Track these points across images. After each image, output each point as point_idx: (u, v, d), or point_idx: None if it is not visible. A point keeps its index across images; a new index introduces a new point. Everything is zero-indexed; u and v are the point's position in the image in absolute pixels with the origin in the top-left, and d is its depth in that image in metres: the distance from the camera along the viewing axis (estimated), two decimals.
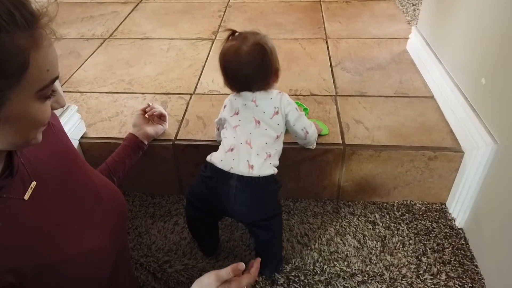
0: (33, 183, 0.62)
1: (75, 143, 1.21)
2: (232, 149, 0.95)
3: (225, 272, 0.78)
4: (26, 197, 0.61)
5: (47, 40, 0.50)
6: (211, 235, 1.11)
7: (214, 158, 0.96)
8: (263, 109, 0.98)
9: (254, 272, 0.84)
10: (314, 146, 1.14)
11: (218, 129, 1.09)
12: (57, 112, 1.14)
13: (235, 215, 1.01)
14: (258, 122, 0.97)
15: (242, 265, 0.80)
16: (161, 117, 1.20)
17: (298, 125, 1.03)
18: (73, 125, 1.20)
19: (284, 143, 1.16)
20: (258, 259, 0.86)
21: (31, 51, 0.48)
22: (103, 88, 1.48)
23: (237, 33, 1.00)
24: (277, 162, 0.99)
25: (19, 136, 0.53)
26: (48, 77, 0.52)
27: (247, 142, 0.95)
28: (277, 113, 0.98)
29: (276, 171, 0.97)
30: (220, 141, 1.00)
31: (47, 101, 0.54)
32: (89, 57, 1.71)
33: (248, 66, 0.96)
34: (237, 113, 0.99)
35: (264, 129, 0.96)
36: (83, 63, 1.66)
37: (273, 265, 1.05)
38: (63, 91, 1.42)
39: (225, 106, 1.03)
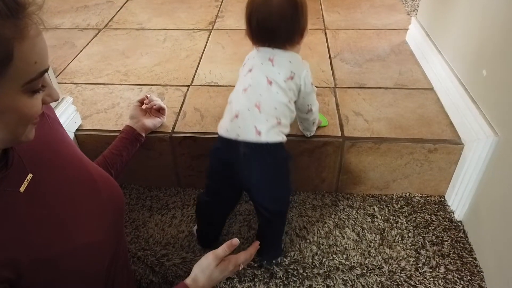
0: (29, 176, 0.61)
1: (71, 136, 1.19)
2: (237, 116, 0.92)
3: (221, 249, 0.83)
4: (22, 189, 0.59)
5: (34, 30, 0.48)
6: (220, 224, 1.10)
7: (220, 128, 0.94)
8: (279, 70, 0.93)
9: (251, 250, 0.89)
10: (312, 134, 1.13)
11: None
12: (52, 104, 1.12)
13: (248, 185, 0.97)
14: (270, 83, 0.92)
15: (236, 241, 0.85)
16: (159, 110, 1.19)
17: (307, 99, 0.99)
18: (69, 117, 1.18)
19: None
20: (257, 242, 0.91)
21: (15, 41, 0.45)
22: (99, 80, 1.46)
23: None
24: (287, 130, 0.95)
25: (6, 132, 0.51)
26: (36, 69, 0.49)
27: (256, 105, 0.91)
28: (291, 78, 0.93)
29: (285, 139, 0.93)
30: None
31: (37, 95, 0.52)
32: (84, 47, 1.68)
33: (277, 17, 0.89)
34: (251, 71, 0.95)
35: (276, 92, 0.92)
36: (78, 54, 1.63)
37: (272, 251, 1.05)
38: (58, 82, 1.40)
39: (244, 64, 0.99)
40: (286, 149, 0.95)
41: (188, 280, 0.81)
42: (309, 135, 1.13)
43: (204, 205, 1.05)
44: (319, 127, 1.18)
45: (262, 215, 1.01)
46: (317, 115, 1.08)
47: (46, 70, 0.51)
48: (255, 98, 0.91)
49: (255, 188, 0.97)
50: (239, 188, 1.01)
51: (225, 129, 0.93)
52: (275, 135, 0.91)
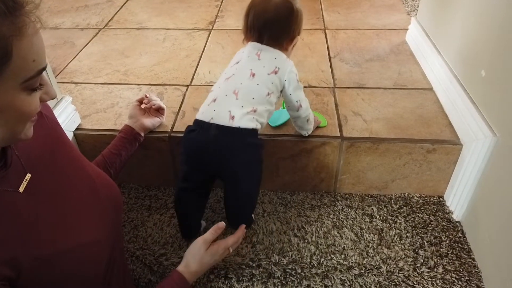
0: (28, 175, 0.62)
1: (70, 135, 1.20)
2: (214, 100, 0.97)
3: (209, 234, 0.89)
4: (21, 189, 0.60)
5: (31, 28, 0.48)
6: (197, 213, 1.11)
7: (198, 112, 0.99)
8: (264, 63, 0.98)
9: (238, 233, 0.95)
10: (308, 133, 1.13)
11: None
12: (52, 103, 1.12)
13: (218, 168, 0.99)
14: (253, 75, 0.97)
15: (222, 224, 0.91)
16: (159, 110, 1.19)
17: (295, 95, 1.02)
18: (68, 116, 1.18)
19: (281, 135, 1.17)
20: (243, 225, 0.96)
21: (13, 39, 0.46)
22: (98, 79, 1.46)
23: None
24: (263, 120, 0.98)
25: (5, 130, 0.51)
26: (34, 67, 0.50)
27: (235, 92, 0.96)
28: (275, 72, 0.98)
29: (259, 127, 0.97)
30: None
31: (35, 93, 0.52)
32: (84, 47, 1.68)
33: (271, 15, 0.97)
34: (238, 63, 1.01)
35: (256, 83, 0.97)
36: (77, 53, 1.64)
37: (240, 222, 1.07)
38: (57, 82, 1.40)
39: (233, 58, 1.05)
40: (259, 137, 0.99)
41: (180, 267, 0.84)
42: (306, 134, 1.13)
43: (180, 192, 1.06)
44: (318, 127, 1.18)
45: (230, 201, 1.06)
46: (309, 112, 1.08)
47: (44, 68, 0.52)
48: (234, 85, 0.97)
49: (224, 171, 0.99)
50: (210, 172, 1.02)
51: (201, 112, 0.98)
52: (249, 121, 0.94)
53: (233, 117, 0.93)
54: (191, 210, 1.08)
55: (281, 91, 1.02)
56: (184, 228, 1.11)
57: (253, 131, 0.96)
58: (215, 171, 1.01)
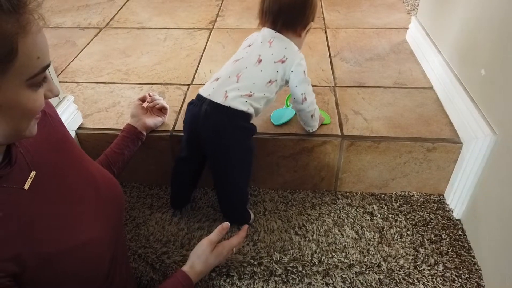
0: (33, 173, 0.62)
1: (72, 134, 1.20)
2: (217, 79, 1.00)
3: (214, 234, 0.91)
4: (26, 186, 0.60)
5: (35, 25, 0.49)
6: (187, 184, 1.15)
7: (201, 88, 1.03)
8: (273, 50, 1.00)
9: (241, 233, 0.97)
10: (313, 130, 1.14)
11: None
12: (54, 102, 1.13)
13: (205, 145, 1.02)
14: (260, 61, 0.99)
15: (227, 224, 0.93)
16: (161, 109, 1.20)
17: (300, 88, 1.03)
18: (70, 116, 1.19)
19: (283, 134, 1.17)
20: (246, 225, 1.00)
21: (18, 37, 0.47)
22: (100, 78, 1.47)
23: None
24: (258, 106, 1.00)
25: (11, 126, 0.52)
26: (39, 64, 0.51)
27: (237, 75, 0.98)
28: (282, 61, 1.00)
29: (251, 111, 0.98)
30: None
31: (39, 90, 0.53)
32: (85, 46, 1.69)
33: (285, 2, 0.98)
34: (250, 46, 1.04)
35: (260, 70, 0.99)
36: (79, 53, 1.64)
37: (239, 218, 1.11)
38: (59, 81, 1.41)
39: (247, 39, 1.08)
40: (252, 123, 1.02)
41: (185, 268, 0.85)
42: (310, 131, 1.14)
43: (177, 160, 1.12)
44: (321, 124, 1.18)
45: (218, 190, 1.10)
46: (315, 108, 1.09)
47: (48, 65, 0.53)
48: (239, 69, 1.00)
49: (210, 148, 1.02)
50: (201, 145, 1.04)
51: (202, 88, 1.02)
52: (241, 104, 0.97)
53: (226, 97, 0.96)
54: (181, 179, 1.14)
55: (287, 82, 1.04)
56: (172, 195, 1.17)
57: (244, 113, 0.98)
58: (203, 147, 1.04)
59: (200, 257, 0.87)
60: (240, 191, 1.09)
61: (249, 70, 0.99)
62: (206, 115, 0.97)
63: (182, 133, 1.19)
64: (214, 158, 1.04)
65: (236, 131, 0.99)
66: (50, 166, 0.67)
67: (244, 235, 0.97)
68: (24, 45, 0.48)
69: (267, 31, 1.03)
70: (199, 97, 1.01)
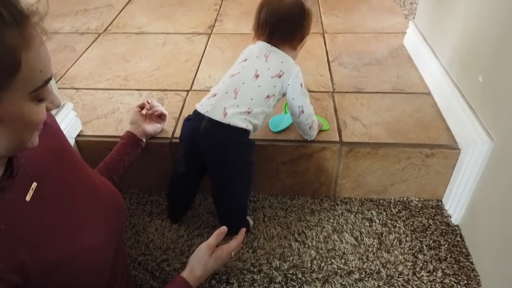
0: (34, 184, 0.63)
1: (71, 142, 1.20)
2: (215, 95, 1.00)
3: (213, 239, 0.91)
4: (28, 198, 0.61)
5: (38, 39, 0.49)
6: (184, 197, 1.16)
7: (198, 103, 1.02)
8: (270, 65, 1.01)
9: (239, 237, 0.98)
10: (311, 138, 1.14)
11: None
12: (53, 110, 1.13)
13: (206, 161, 1.02)
14: (257, 76, 1.00)
15: (224, 229, 0.94)
16: (160, 116, 1.20)
17: (298, 101, 1.04)
18: (69, 123, 1.19)
19: (281, 140, 1.18)
20: (244, 228, 1.00)
21: (22, 50, 0.47)
22: (99, 84, 1.47)
23: None
24: (257, 122, 1.01)
25: (14, 139, 0.53)
26: (42, 77, 0.51)
27: (235, 91, 0.98)
28: (279, 76, 1.00)
29: (250, 127, 0.99)
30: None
31: (42, 103, 0.54)
32: (84, 52, 1.69)
33: (283, 14, 0.99)
34: (245, 60, 1.03)
35: (258, 85, 0.99)
36: (78, 58, 1.64)
37: (234, 226, 1.08)
38: (58, 88, 1.41)
39: (242, 53, 1.08)
40: (249, 137, 1.01)
41: (184, 273, 0.86)
42: (309, 139, 1.15)
43: (174, 178, 1.12)
44: (320, 131, 1.19)
45: (217, 202, 1.10)
46: (313, 119, 1.10)
47: (50, 78, 0.53)
48: (237, 84, 0.99)
49: (210, 163, 1.02)
50: (199, 160, 1.04)
51: (200, 104, 1.01)
52: (239, 120, 0.97)
53: (225, 114, 0.96)
54: (180, 194, 1.14)
55: (284, 94, 1.04)
56: (171, 210, 1.18)
57: (243, 130, 0.98)
58: (203, 161, 1.04)
59: (200, 261, 0.88)
60: (240, 204, 1.10)
61: (247, 85, 0.99)
62: (206, 132, 0.96)
63: None
64: (215, 171, 1.04)
65: (237, 146, 0.99)
66: (51, 176, 0.67)
67: (242, 239, 0.98)
68: (27, 58, 0.48)
69: (262, 45, 1.03)
70: (197, 113, 1.00)
